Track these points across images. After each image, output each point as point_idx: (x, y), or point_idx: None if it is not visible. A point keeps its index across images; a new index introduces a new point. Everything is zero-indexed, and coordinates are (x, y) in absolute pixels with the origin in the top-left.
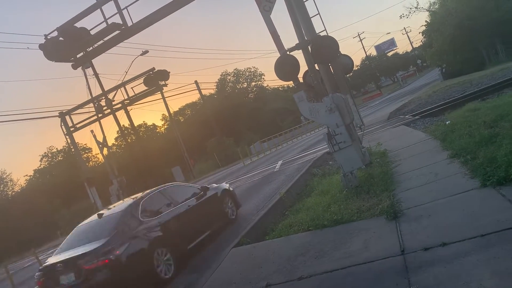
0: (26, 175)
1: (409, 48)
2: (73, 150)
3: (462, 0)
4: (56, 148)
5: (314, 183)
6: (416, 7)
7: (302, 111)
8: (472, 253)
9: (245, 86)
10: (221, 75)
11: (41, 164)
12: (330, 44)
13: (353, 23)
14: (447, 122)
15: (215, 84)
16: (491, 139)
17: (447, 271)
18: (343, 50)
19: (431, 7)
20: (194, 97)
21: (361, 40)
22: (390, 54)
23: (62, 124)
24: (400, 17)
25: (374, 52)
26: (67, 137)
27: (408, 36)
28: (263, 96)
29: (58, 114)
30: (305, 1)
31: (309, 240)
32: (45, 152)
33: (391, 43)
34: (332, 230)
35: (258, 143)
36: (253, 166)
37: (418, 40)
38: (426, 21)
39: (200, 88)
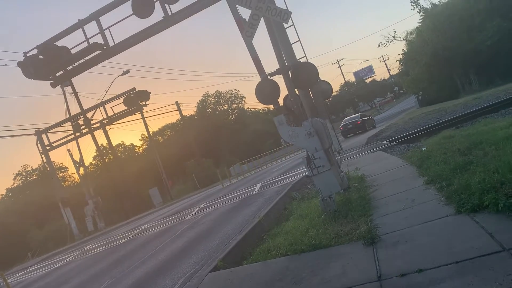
0: None
1: (387, 75)
2: (48, 169)
3: (437, 31)
4: (31, 167)
5: (293, 206)
6: (393, 36)
7: (282, 135)
8: (447, 280)
9: (226, 108)
10: (202, 96)
11: (14, 183)
12: (310, 70)
13: (333, 50)
14: (423, 149)
15: (196, 105)
16: (465, 166)
17: None
18: (322, 76)
19: (408, 37)
20: (175, 117)
21: (340, 67)
22: (368, 80)
23: (38, 142)
24: (378, 45)
25: (352, 78)
26: (43, 155)
27: (385, 64)
28: (244, 118)
29: (34, 132)
30: (287, 28)
31: (287, 265)
32: (19, 171)
33: (369, 70)
34: (310, 255)
35: (238, 165)
36: (232, 188)
37: (395, 67)
38: (403, 50)
39: (181, 109)
